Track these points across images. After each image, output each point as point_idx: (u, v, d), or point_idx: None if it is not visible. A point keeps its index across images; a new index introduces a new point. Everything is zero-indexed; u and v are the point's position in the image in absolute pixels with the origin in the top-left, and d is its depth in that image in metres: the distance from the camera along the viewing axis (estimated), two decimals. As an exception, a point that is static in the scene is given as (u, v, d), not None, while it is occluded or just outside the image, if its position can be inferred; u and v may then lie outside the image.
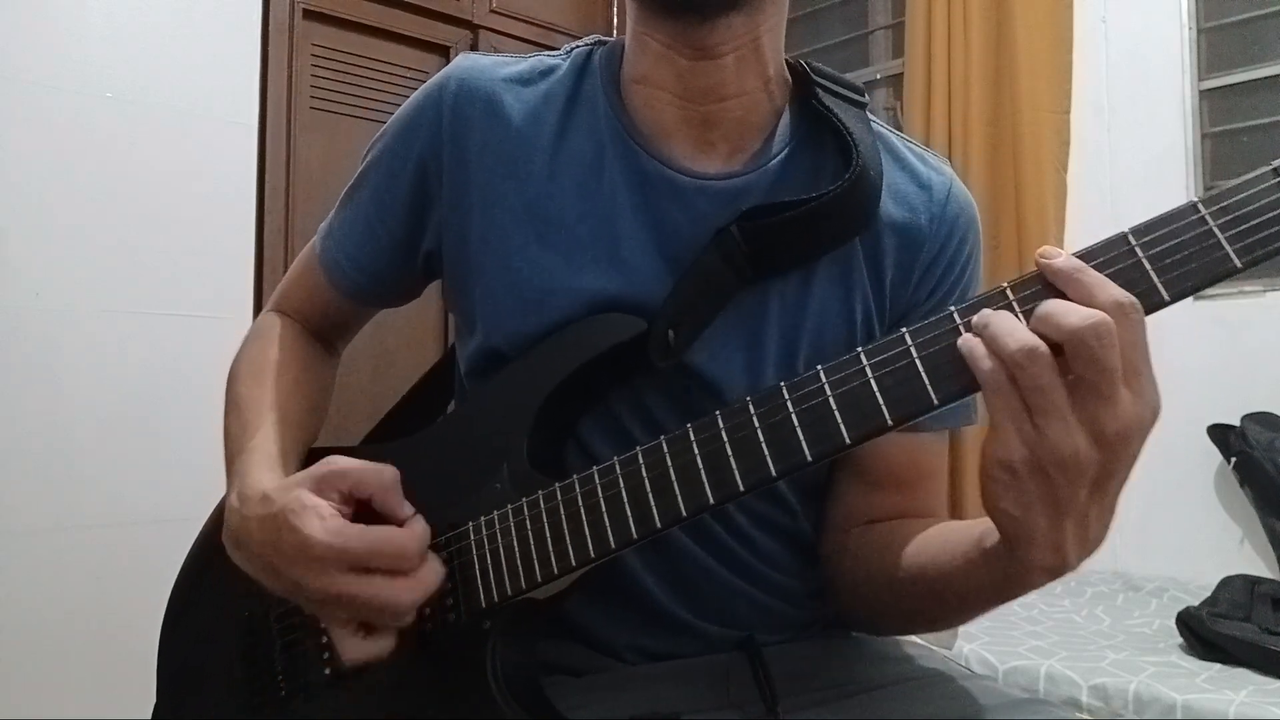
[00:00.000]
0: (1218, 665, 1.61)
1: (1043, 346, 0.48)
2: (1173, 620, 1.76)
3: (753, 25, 0.68)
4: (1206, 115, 2.38)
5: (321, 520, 0.60)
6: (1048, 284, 0.50)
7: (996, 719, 0.68)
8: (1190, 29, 2.38)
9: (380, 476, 0.63)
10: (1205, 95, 2.38)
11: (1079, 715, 1.56)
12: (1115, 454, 0.48)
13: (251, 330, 0.84)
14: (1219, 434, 2.16)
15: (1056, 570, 0.52)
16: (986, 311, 0.50)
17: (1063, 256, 0.50)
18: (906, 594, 0.68)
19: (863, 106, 0.75)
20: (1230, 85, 2.35)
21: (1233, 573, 1.87)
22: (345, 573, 0.60)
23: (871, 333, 0.73)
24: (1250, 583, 1.79)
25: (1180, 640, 1.72)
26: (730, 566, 0.73)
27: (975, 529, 0.60)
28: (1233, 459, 2.11)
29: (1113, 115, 2.48)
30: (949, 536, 0.64)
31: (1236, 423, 2.13)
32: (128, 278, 2.06)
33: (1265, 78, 2.30)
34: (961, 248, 0.75)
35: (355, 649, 0.62)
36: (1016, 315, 0.50)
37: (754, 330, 0.70)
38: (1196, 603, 1.78)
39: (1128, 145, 2.43)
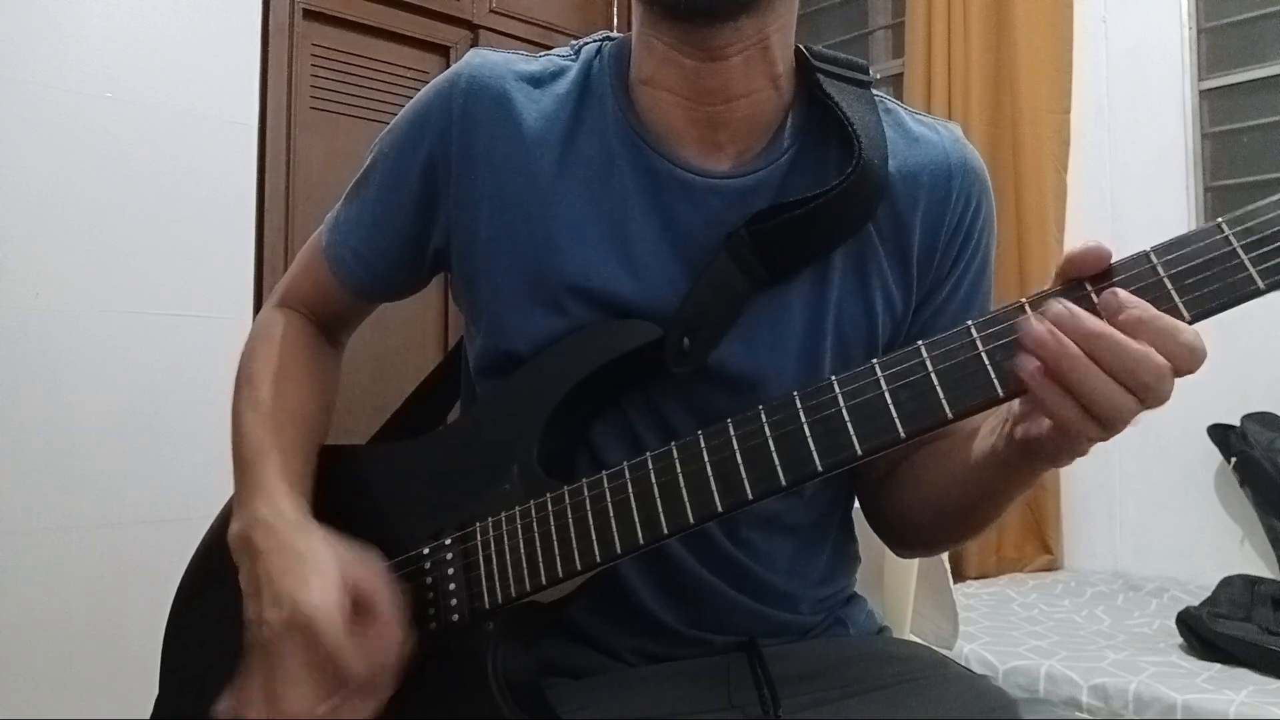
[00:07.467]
0: (1218, 665, 1.61)
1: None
2: (1173, 620, 1.76)
3: (761, 26, 0.67)
4: (1206, 115, 2.38)
5: (324, 595, 0.61)
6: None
7: (996, 719, 0.68)
8: (1190, 29, 2.38)
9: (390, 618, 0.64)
10: (1205, 95, 2.38)
11: (1079, 715, 1.56)
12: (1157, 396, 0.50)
13: (259, 327, 0.82)
14: (1219, 434, 2.16)
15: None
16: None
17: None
18: (947, 508, 0.70)
19: (867, 85, 0.74)
20: (1230, 85, 2.35)
21: (1233, 573, 1.87)
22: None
23: (895, 316, 0.73)
24: (1250, 583, 1.80)
25: (1180, 640, 1.72)
26: (727, 578, 0.72)
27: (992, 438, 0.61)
28: (1233, 459, 2.11)
29: (1113, 115, 2.48)
30: (975, 448, 0.65)
31: (1236, 423, 2.13)
32: (128, 278, 2.06)
33: (1265, 78, 2.30)
34: (978, 214, 0.75)
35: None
36: None
37: (779, 330, 0.70)
38: (1196, 603, 1.78)
39: (1128, 145, 2.43)
